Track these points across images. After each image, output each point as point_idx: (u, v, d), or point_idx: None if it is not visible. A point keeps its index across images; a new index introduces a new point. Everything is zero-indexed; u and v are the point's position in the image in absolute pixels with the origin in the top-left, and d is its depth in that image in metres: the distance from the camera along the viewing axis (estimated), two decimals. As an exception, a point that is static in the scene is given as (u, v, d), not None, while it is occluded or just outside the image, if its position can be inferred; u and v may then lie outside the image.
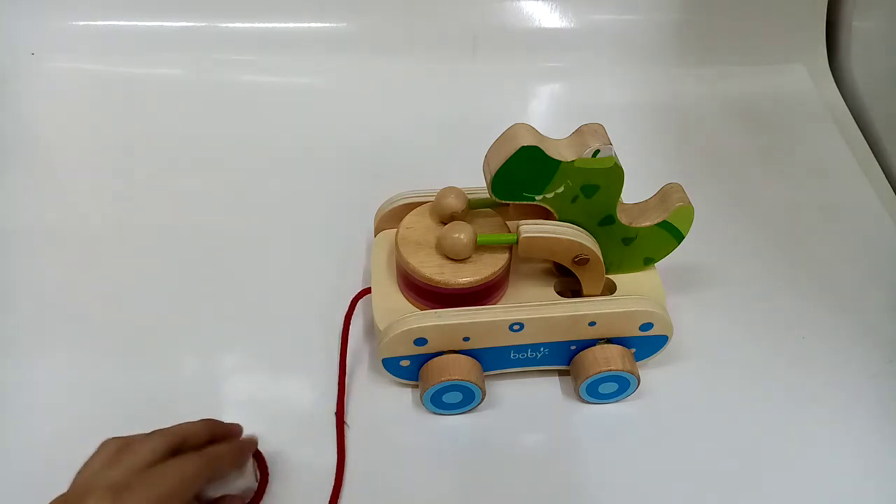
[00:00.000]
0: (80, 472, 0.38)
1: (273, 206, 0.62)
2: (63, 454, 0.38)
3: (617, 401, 0.49)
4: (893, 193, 0.64)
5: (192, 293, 0.55)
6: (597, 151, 0.43)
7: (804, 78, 0.74)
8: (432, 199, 0.48)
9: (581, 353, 0.48)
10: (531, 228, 0.44)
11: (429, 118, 0.69)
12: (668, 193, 0.48)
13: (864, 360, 0.52)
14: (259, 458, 0.45)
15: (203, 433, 0.41)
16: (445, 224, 0.46)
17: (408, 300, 0.48)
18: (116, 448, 0.38)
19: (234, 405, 0.49)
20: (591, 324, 0.46)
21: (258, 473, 0.44)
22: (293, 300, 0.54)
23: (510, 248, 0.47)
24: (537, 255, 0.46)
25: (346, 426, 0.47)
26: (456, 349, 0.47)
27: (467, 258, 0.46)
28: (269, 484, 0.44)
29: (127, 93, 0.71)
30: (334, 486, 0.44)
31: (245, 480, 0.43)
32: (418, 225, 0.48)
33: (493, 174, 0.43)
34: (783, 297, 0.56)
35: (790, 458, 0.47)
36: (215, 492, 0.42)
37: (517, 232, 0.45)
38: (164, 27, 0.73)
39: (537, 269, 0.50)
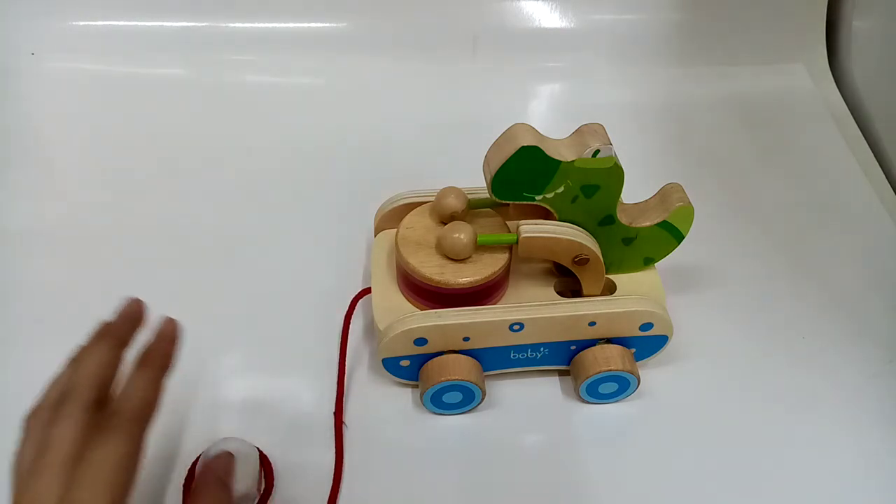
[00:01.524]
0: (11, 472, 0.34)
1: (273, 206, 0.62)
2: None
3: (617, 401, 0.49)
4: (893, 193, 0.64)
5: (192, 293, 0.55)
6: (597, 151, 0.43)
7: (804, 78, 0.74)
8: (432, 199, 0.48)
9: (581, 353, 0.48)
10: (531, 228, 0.44)
11: (429, 118, 0.69)
12: (668, 193, 0.48)
13: (864, 360, 0.52)
14: (266, 465, 0.45)
15: (111, 357, 0.36)
16: (445, 224, 0.46)
17: (408, 300, 0.48)
18: (37, 443, 0.34)
19: (233, 405, 0.49)
20: (591, 324, 0.46)
21: (263, 482, 0.44)
22: (293, 300, 0.54)
23: (510, 248, 0.47)
24: (537, 255, 0.46)
25: (344, 426, 0.47)
26: (456, 349, 0.47)
27: (467, 258, 0.46)
28: (273, 490, 0.44)
29: (127, 93, 0.71)
30: (332, 486, 0.44)
31: (248, 486, 0.42)
32: (418, 225, 0.48)
33: (493, 174, 0.43)
34: (783, 296, 0.56)
35: (790, 457, 0.47)
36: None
37: (517, 232, 0.45)
38: (165, 27, 0.73)
39: (537, 269, 0.50)
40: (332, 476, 0.45)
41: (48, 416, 0.35)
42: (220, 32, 0.73)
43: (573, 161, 0.43)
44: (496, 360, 0.48)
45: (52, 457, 0.33)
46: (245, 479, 0.42)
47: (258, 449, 0.45)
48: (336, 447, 0.46)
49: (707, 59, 0.75)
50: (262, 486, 0.44)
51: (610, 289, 0.50)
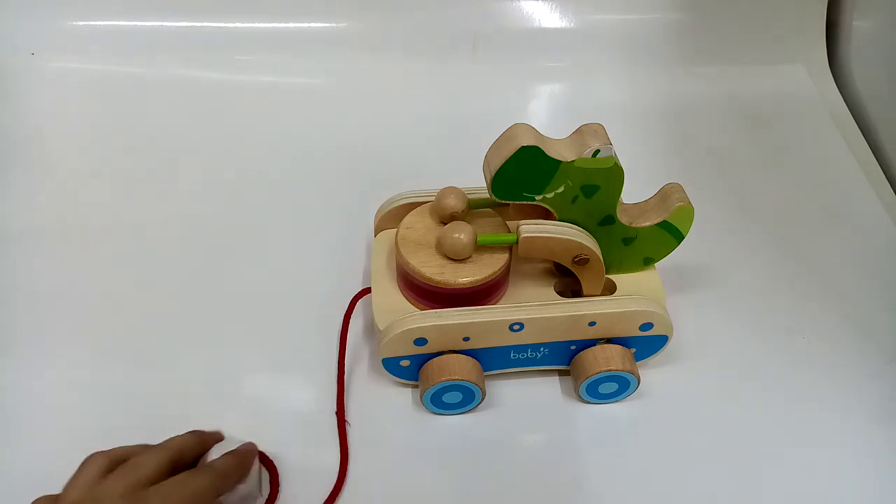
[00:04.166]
0: (71, 485, 0.36)
1: (273, 206, 0.62)
2: (63, 454, 0.38)
3: (617, 401, 0.49)
4: (894, 194, 0.64)
5: (192, 293, 0.55)
6: (597, 151, 0.43)
7: (804, 78, 0.74)
8: (432, 199, 0.48)
9: (581, 353, 0.48)
10: (531, 228, 0.44)
11: (429, 118, 0.69)
12: (667, 193, 0.48)
13: (864, 360, 0.52)
14: (270, 467, 0.45)
15: (195, 445, 0.41)
16: (445, 224, 0.46)
17: (408, 300, 0.48)
18: (111, 460, 0.37)
19: (234, 405, 0.49)
20: (591, 324, 0.46)
21: (262, 482, 0.44)
22: (293, 300, 0.54)
23: (510, 248, 0.47)
24: (537, 255, 0.46)
25: (347, 424, 0.47)
26: (456, 349, 0.47)
27: (467, 258, 0.46)
28: (279, 491, 0.44)
29: (127, 93, 0.71)
30: (335, 485, 0.44)
31: (250, 486, 0.43)
32: (418, 225, 0.48)
33: (493, 174, 0.43)
34: (783, 297, 0.56)
35: (790, 457, 0.47)
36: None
37: (517, 232, 0.45)
38: (165, 27, 0.73)
39: (537, 269, 0.50)
40: (336, 475, 0.45)
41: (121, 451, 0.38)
42: (221, 32, 0.73)
43: (573, 161, 0.43)
44: (496, 360, 0.48)
45: (129, 470, 0.36)
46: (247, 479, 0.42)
47: (262, 452, 0.45)
48: (340, 446, 0.46)
49: (707, 59, 0.75)
50: (263, 487, 0.44)
51: (610, 289, 0.50)
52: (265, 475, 0.45)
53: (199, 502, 0.37)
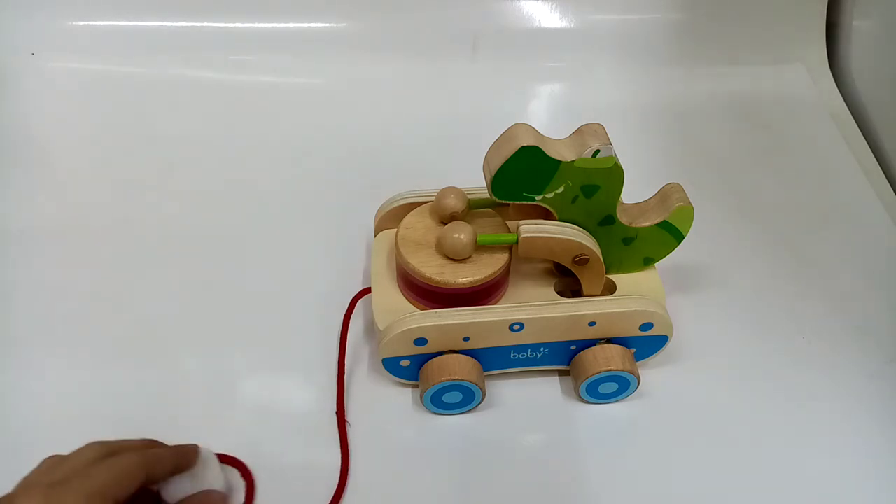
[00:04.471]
0: (18, 485, 0.37)
1: (273, 206, 0.62)
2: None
3: (617, 401, 0.49)
4: (893, 194, 0.64)
5: (192, 293, 0.55)
6: (597, 151, 0.43)
7: (804, 78, 0.74)
8: (432, 199, 0.48)
9: (581, 353, 0.48)
10: (531, 228, 0.44)
11: (429, 118, 0.69)
12: (668, 193, 0.48)
13: (864, 360, 0.52)
14: (245, 474, 0.45)
15: (140, 447, 0.40)
16: (445, 224, 0.46)
17: (408, 300, 0.48)
18: (54, 461, 0.38)
19: (233, 405, 0.49)
20: (591, 324, 0.46)
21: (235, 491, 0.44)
22: (293, 300, 0.54)
23: (510, 248, 0.47)
24: (537, 255, 0.46)
25: (347, 424, 0.47)
26: (456, 349, 0.47)
27: (467, 258, 0.46)
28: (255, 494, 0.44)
29: (127, 93, 0.71)
30: (338, 486, 0.44)
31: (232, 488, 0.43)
32: (418, 225, 0.48)
33: (493, 174, 0.43)
34: (783, 297, 0.56)
35: (790, 457, 0.47)
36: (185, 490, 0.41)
37: (517, 232, 0.45)
38: (164, 27, 0.73)
39: (537, 269, 0.50)
40: (338, 475, 0.45)
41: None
42: (220, 32, 0.73)
43: (573, 161, 0.43)
44: (496, 360, 0.48)
45: (62, 464, 0.37)
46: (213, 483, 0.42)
47: (239, 461, 0.45)
48: (341, 446, 0.46)
49: (707, 59, 0.75)
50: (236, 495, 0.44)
51: (610, 289, 0.50)
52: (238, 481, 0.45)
53: (119, 483, 0.37)
